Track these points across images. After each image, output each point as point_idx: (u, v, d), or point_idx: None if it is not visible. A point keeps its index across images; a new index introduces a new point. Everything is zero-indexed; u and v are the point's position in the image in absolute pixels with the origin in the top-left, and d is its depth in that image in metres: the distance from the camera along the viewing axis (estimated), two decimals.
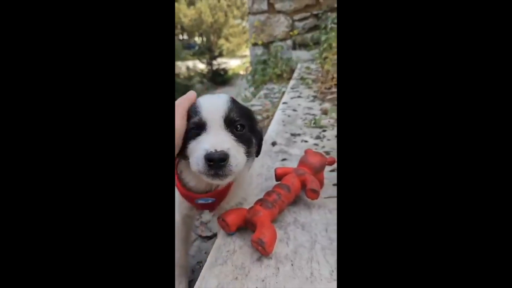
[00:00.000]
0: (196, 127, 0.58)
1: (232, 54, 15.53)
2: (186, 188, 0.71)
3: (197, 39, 15.23)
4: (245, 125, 0.61)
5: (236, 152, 0.56)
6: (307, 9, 3.82)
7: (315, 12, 3.80)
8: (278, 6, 3.87)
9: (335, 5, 3.71)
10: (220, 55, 11.70)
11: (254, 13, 3.97)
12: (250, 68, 4.34)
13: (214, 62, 11.11)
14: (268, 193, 0.69)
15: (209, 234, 1.12)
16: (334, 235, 0.64)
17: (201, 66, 11.07)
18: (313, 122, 1.34)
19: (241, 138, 0.59)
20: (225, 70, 11.14)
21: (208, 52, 11.20)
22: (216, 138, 0.56)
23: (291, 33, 3.80)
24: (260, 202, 0.66)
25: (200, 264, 1.00)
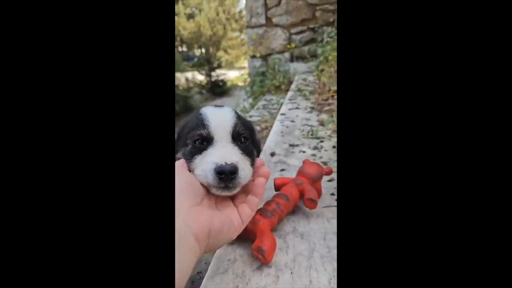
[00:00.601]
0: (202, 140, 0.60)
1: (230, 65, 15.78)
2: None
3: (196, 51, 15.49)
4: (248, 138, 0.64)
5: (244, 164, 0.58)
6: (303, 23, 3.93)
7: (311, 26, 3.91)
8: (275, 20, 3.99)
9: (331, 20, 3.83)
10: (219, 66, 11.87)
11: (252, 27, 4.08)
12: (248, 80, 4.42)
13: (213, 73, 11.26)
14: (267, 203, 0.71)
15: None
16: (332, 244, 0.66)
17: (200, 77, 11.20)
18: (310, 133, 1.37)
19: (245, 151, 0.62)
20: (223, 81, 11.28)
21: (207, 63, 11.35)
22: (224, 151, 0.58)
23: (288, 46, 3.89)
24: (259, 211, 0.68)
25: (200, 274, 1.00)
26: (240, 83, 9.19)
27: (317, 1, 3.78)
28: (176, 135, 0.70)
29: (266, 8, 3.97)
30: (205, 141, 0.60)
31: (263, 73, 3.92)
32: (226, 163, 0.54)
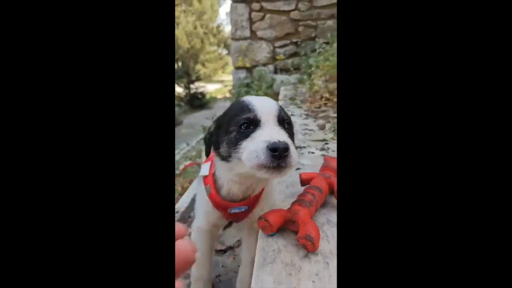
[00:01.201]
0: (249, 123, 0.59)
1: (208, 79, 15.82)
2: (222, 198, 0.71)
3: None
4: (291, 125, 0.66)
5: (292, 147, 0.57)
6: (287, 37, 4.10)
7: (294, 40, 4.09)
8: (260, 33, 4.12)
9: (313, 35, 4.04)
10: (198, 79, 11.84)
11: (237, 39, 4.17)
12: (232, 91, 4.46)
13: (192, 86, 11.19)
14: (303, 195, 0.72)
15: (223, 248, 1.10)
16: None
17: (178, 89, 11.07)
18: (333, 129, 1.44)
19: (290, 135, 0.63)
20: (203, 94, 11.23)
21: (186, 76, 11.29)
22: (274, 132, 0.57)
23: (277, 57, 4.00)
24: (298, 202, 0.69)
25: (220, 278, 0.97)
26: (220, 96, 9.22)
27: (299, 17, 3.97)
28: (212, 129, 0.70)
29: (251, 22, 4.10)
30: (252, 125, 0.59)
31: (247, 85, 3.99)
32: (279, 140, 0.53)
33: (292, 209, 0.67)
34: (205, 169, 0.78)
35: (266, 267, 0.58)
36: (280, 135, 0.56)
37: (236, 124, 0.60)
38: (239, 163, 0.60)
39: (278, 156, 0.53)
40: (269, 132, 0.57)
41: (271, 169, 0.54)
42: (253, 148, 0.55)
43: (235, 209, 0.72)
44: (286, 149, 0.53)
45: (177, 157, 3.06)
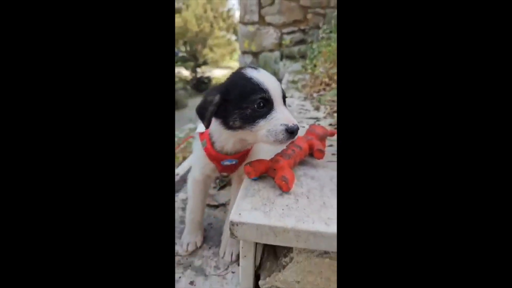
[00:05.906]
0: (264, 104, 0.69)
1: (215, 64, 15.75)
2: (216, 151, 0.83)
3: (181, 47, 15.33)
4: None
5: None
6: (295, 24, 4.12)
7: (302, 28, 4.11)
8: (268, 18, 4.14)
9: (320, 24, 4.06)
10: (205, 63, 11.84)
11: (245, 23, 4.21)
12: None
13: (198, 69, 11.20)
14: (285, 149, 0.84)
15: (216, 203, 1.23)
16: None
17: (185, 73, 11.11)
18: (318, 100, 1.53)
19: None
20: (209, 79, 11.26)
21: (193, 59, 11.28)
22: (286, 114, 0.71)
23: (283, 41, 4.03)
24: (280, 154, 0.81)
25: (211, 225, 1.11)
26: None
27: (309, 4, 3.99)
28: (216, 101, 0.74)
29: (260, 6, 4.12)
30: (266, 105, 0.70)
31: None
32: (293, 124, 0.69)
33: (274, 159, 0.79)
34: (202, 127, 0.90)
35: (246, 199, 0.70)
36: (291, 117, 0.71)
37: (251, 103, 0.69)
38: (249, 133, 0.72)
39: (293, 136, 0.69)
40: (283, 114, 0.70)
41: (284, 143, 0.70)
42: (273, 128, 0.69)
43: (227, 162, 0.85)
44: (298, 129, 0.69)
45: (182, 134, 3.24)
